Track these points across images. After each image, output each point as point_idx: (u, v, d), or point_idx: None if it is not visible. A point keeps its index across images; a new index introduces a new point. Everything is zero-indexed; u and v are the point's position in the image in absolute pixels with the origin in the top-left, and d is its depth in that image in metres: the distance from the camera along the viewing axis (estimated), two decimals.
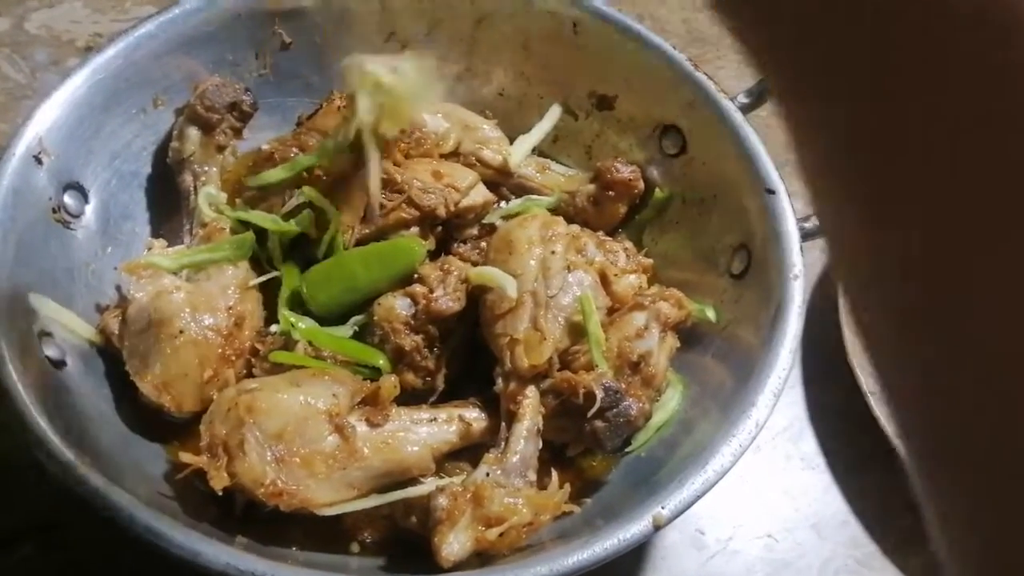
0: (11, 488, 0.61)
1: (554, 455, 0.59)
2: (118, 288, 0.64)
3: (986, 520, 0.23)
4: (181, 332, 0.57)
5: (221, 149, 0.68)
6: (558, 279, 0.59)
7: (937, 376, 0.23)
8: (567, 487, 0.55)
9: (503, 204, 0.71)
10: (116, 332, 0.59)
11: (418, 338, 0.59)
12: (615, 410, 0.56)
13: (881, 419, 0.68)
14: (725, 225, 0.67)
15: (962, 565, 0.24)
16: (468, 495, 0.52)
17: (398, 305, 0.60)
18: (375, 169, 0.59)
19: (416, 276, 0.61)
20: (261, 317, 0.62)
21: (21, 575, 0.60)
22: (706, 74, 0.69)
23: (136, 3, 0.91)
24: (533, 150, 0.74)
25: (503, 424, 0.57)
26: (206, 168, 0.67)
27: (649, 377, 0.60)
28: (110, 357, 0.60)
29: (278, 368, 0.58)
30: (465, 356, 0.62)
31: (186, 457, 0.52)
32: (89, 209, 0.64)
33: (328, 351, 0.59)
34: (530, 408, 0.56)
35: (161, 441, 0.59)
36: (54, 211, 0.61)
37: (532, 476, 0.55)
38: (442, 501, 0.52)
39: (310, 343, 0.59)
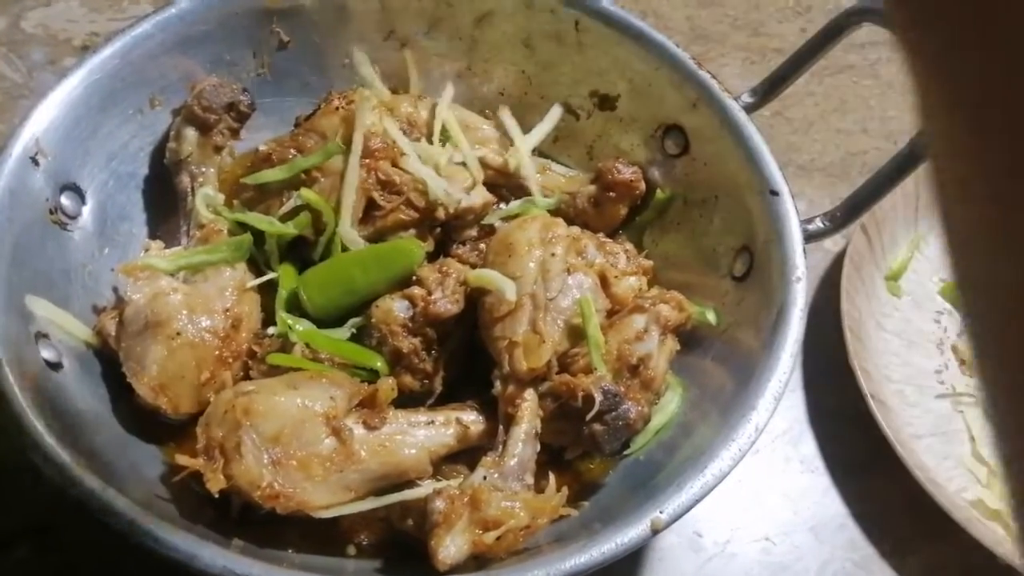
0: (7, 490, 0.61)
1: (552, 458, 0.59)
2: (115, 289, 0.64)
3: None
4: (178, 334, 0.57)
5: (218, 150, 0.67)
6: (558, 281, 0.59)
7: None
8: (565, 490, 0.55)
9: (502, 205, 0.70)
10: (113, 334, 0.58)
11: (416, 340, 0.59)
12: (614, 413, 0.56)
13: (881, 422, 0.68)
14: (727, 227, 0.66)
15: None
16: (465, 498, 0.52)
17: (396, 307, 0.59)
18: (352, 178, 0.61)
19: (414, 278, 0.61)
20: (258, 319, 0.62)
21: None
22: (710, 73, 0.68)
23: (133, 1, 0.91)
24: (533, 150, 0.73)
25: (501, 427, 0.57)
26: (203, 169, 0.67)
27: (648, 380, 0.59)
28: (107, 359, 0.59)
29: (275, 370, 0.58)
30: (463, 359, 0.62)
31: (183, 459, 0.52)
32: (86, 210, 0.64)
33: (325, 353, 0.59)
34: (528, 411, 0.56)
35: (157, 443, 0.58)
36: (51, 212, 0.61)
37: (530, 479, 0.55)
38: (439, 504, 0.52)
39: (307, 345, 0.59)
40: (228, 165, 0.68)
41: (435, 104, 0.70)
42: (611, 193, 0.70)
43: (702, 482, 0.51)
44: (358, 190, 0.62)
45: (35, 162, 0.60)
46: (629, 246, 0.68)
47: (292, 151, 0.64)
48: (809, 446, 0.72)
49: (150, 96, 0.67)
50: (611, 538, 0.49)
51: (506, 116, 0.72)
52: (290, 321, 0.59)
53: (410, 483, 0.55)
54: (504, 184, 0.71)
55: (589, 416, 0.55)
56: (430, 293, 0.59)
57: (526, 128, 0.74)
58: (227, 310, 0.59)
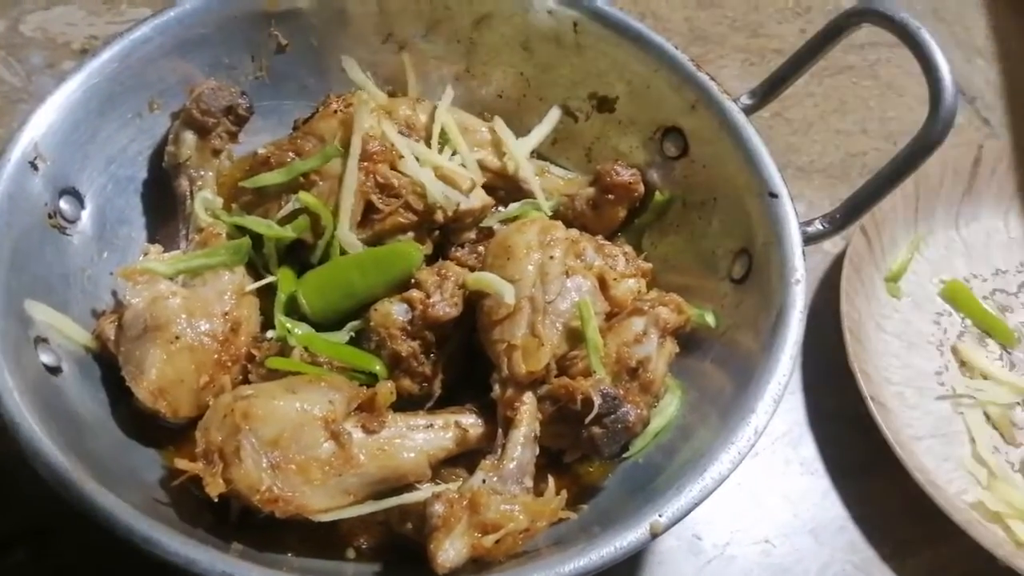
0: (5, 493, 0.61)
1: (551, 461, 0.59)
2: (114, 293, 0.64)
3: None
4: (177, 338, 0.57)
5: (217, 153, 0.68)
6: (556, 284, 0.59)
7: None
8: (563, 493, 0.55)
9: (501, 208, 0.70)
10: (112, 337, 0.58)
11: (415, 344, 0.59)
12: (613, 416, 0.56)
13: (881, 424, 0.68)
14: (726, 229, 0.66)
15: None
16: (464, 501, 0.52)
17: (395, 311, 0.59)
18: (350, 181, 0.61)
19: (413, 281, 0.61)
20: (257, 323, 0.62)
21: None
22: (708, 75, 0.68)
23: (132, 5, 0.91)
24: (532, 153, 0.73)
25: (500, 430, 0.57)
26: (202, 172, 0.67)
27: (647, 383, 0.59)
28: (106, 363, 0.59)
29: (274, 374, 0.58)
30: (462, 362, 0.62)
31: (182, 463, 0.52)
32: (85, 214, 0.64)
33: (324, 357, 0.59)
34: (527, 414, 0.56)
35: (156, 447, 0.58)
36: (50, 216, 0.61)
37: (529, 482, 0.55)
38: (438, 508, 0.52)
39: (306, 349, 0.59)
40: (227, 168, 0.68)
41: (434, 107, 0.70)
42: (610, 195, 0.70)
43: (701, 485, 0.51)
44: (356, 193, 0.62)
45: (34, 166, 0.60)
46: (628, 248, 0.68)
47: (290, 154, 0.64)
48: (809, 448, 0.72)
49: (149, 100, 0.67)
50: (610, 541, 0.49)
51: (500, 126, 0.71)
52: (289, 325, 0.59)
53: (409, 487, 0.55)
54: (503, 187, 0.71)
55: (588, 419, 0.55)
56: (429, 296, 0.59)
57: (525, 130, 0.74)
58: (226, 314, 0.59)
